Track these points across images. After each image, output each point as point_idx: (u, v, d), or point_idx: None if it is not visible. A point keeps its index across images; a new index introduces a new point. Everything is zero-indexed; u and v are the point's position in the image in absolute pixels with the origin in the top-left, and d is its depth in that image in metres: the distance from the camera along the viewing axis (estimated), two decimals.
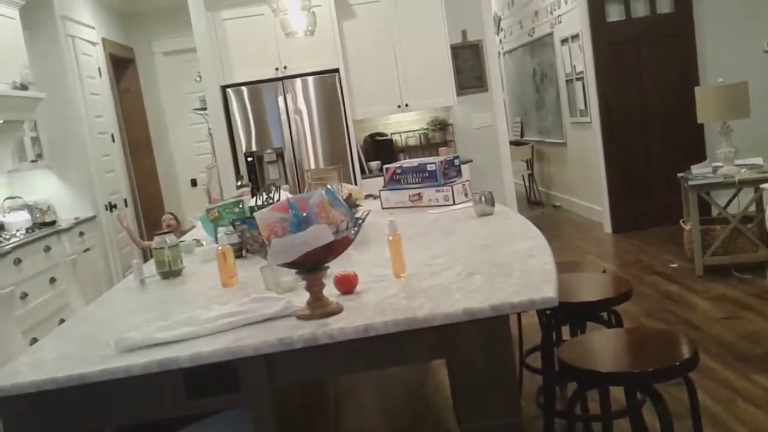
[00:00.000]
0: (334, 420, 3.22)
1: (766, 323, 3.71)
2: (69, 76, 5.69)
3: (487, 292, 1.78)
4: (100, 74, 6.48)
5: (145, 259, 4.61)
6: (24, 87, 4.90)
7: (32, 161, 5.32)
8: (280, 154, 5.84)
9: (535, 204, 8.59)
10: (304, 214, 1.72)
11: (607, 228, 6.37)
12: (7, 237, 4.59)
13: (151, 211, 7.24)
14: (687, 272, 4.76)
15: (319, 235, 1.66)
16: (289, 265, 1.73)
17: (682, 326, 3.81)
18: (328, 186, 1.91)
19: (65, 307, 4.87)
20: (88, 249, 5.45)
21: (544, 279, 1.84)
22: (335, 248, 1.73)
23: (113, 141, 6.55)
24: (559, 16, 6.97)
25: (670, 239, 5.58)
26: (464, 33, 6.26)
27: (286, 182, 5.69)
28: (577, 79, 6.70)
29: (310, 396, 2.77)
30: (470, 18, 6.24)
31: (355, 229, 1.79)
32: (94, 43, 6.42)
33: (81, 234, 5.37)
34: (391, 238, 2.07)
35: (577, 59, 6.59)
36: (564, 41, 6.93)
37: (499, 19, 9.12)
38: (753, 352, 3.37)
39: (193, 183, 7.63)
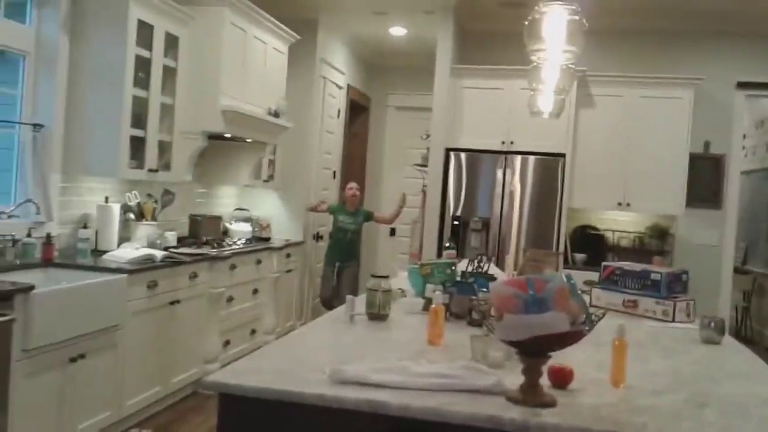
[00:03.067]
0: None
1: None
2: (314, 113, 6.21)
3: (722, 431, 1.59)
4: (338, 115, 6.99)
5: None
6: (276, 115, 5.41)
7: (264, 180, 5.83)
8: (485, 224, 5.85)
9: (745, 341, 7.71)
10: (540, 296, 1.67)
11: None
12: (230, 243, 5.03)
13: None
14: None
15: (556, 322, 1.60)
16: (515, 344, 1.68)
17: None
18: (565, 275, 1.85)
19: (258, 320, 5.20)
20: (290, 270, 5.81)
21: None
22: (566, 339, 1.66)
23: (333, 178, 6.99)
24: None
25: None
26: (707, 144, 5.90)
27: (486, 252, 5.65)
28: None
29: None
30: (716, 129, 5.88)
31: (590, 326, 1.70)
32: (340, 87, 6.96)
33: (288, 256, 5.75)
34: (617, 342, 1.94)
35: None
36: None
37: (743, 137, 8.48)
38: None
39: (392, 232, 7.87)
